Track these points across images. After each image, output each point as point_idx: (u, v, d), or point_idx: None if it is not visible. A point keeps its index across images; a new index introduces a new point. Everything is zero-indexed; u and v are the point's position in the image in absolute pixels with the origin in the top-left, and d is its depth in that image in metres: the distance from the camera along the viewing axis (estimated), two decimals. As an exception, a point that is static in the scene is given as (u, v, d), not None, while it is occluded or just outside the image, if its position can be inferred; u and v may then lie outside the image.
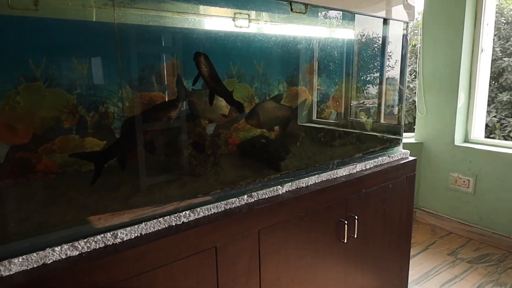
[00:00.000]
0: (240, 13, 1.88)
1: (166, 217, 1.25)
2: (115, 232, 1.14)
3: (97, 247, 1.12)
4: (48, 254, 1.03)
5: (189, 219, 1.31)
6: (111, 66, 1.61)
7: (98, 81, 1.58)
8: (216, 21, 1.82)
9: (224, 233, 1.33)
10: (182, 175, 1.50)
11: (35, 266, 1.01)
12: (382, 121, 2.29)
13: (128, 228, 1.17)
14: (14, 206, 1.25)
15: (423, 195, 3.79)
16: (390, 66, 2.26)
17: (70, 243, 1.07)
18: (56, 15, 1.42)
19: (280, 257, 1.53)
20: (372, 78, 2.33)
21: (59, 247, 1.05)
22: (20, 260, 0.99)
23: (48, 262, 1.03)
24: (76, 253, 1.08)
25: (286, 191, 1.61)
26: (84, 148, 1.56)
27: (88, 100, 1.57)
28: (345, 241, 1.80)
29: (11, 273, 0.98)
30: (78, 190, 1.37)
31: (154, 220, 1.23)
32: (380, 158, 2.08)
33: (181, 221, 1.29)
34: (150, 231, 1.22)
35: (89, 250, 1.10)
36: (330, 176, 1.81)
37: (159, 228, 1.24)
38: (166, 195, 1.37)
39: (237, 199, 1.44)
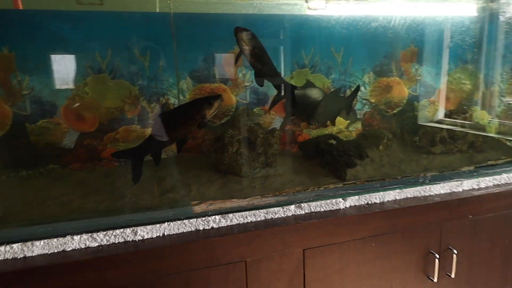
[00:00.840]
0: (316, -8, 1.62)
1: (192, 220, 1.13)
2: (135, 229, 1.07)
3: (116, 242, 1.06)
4: (67, 242, 1.02)
5: (220, 225, 1.15)
6: (174, 58, 1.58)
7: (159, 72, 1.57)
8: (284, 2, 1.61)
9: (258, 247, 1.13)
10: (224, 174, 1.36)
11: (55, 251, 1.02)
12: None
13: (149, 227, 1.09)
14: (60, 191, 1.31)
15: None
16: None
17: (90, 234, 1.04)
18: (119, 8, 1.45)
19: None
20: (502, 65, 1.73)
21: (78, 236, 1.03)
22: (42, 243, 1.01)
23: (68, 250, 1.03)
24: (94, 244, 1.05)
25: (349, 206, 1.29)
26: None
27: (149, 92, 1.57)
28: (436, 280, 1.36)
29: (33, 254, 1.00)
30: (122, 182, 1.37)
31: (179, 222, 1.11)
32: (504, 176, 1.51)
33: (210, 226, 1.14)
34: (173, 233, 1.11)
35: (108, 243, 1.06)
36: (419, 193, 1.39)
37: (184, 231, 1.12)
38: (201, 194, 1.25)
39: (282, 209, 1.21)
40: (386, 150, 1.64)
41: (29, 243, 1.00)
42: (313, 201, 1.25)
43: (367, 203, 1.32)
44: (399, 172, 1.47)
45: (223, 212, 1.16)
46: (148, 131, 1.58)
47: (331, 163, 1.40)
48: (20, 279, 0.95)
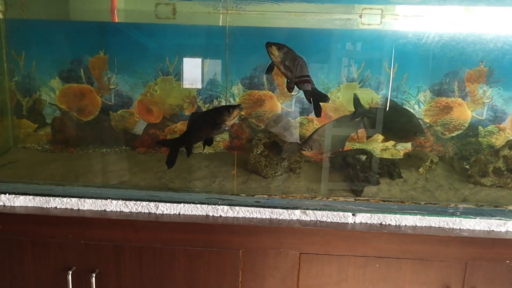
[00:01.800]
0: (370, 8, 1.64)
1: (204, 206, 1.30)
2: (157, 204, 1.30)
3: (142, 211, 1.31)
4: (107, 204, 1.31)
5: (227, 215, 1.30)
6: (231, 65, 1.79)
7: (215, 77, 1.79)
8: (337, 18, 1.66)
9: (255, 240, 1.24)
10: (250, 172, 1.49)
11: (99, 209, 1.32)
12: None
13: (169, 204, 1.30)
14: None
15: None
16: None
17: (124, 201, 1.31)
18: (188, 21, 1.73)
19: (327, 297, 1.25)
20: None
21: (116, 201, 1.31)
22: (90, 201, 1.32)
23: (107, 210, 1.32)
24: (127, 210, 1.32)
25: (359, 222, 1.28)
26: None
27: (205, 94, 1.82)
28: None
29: (84, 208, 1.32)
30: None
31: (192, 205, 1.30)
32: None
33: (219, 214, 1.30)
34: (187, 213, 1.30)
35: (136, 211, 1.31)
36: (446, 224, 1.28)
37: (196, 214, 1.30)
38: (221, 186, 1.41)
39: (287, 212, 1.29)
40: (426, 173, 1.53)
41: (82, 200, 1.32)
42: (320, 209, 1.29)
43: (381, 223, 1.29)
44: (430, 198, 1.37)
45: (232, 204, 1.30)
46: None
47: (351, 178, 1.39)
48: (74, 224, 1.26)
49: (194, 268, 1.26)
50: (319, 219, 1.29)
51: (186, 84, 1.78)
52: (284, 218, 1.29)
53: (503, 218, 1.27)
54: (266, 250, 1.24)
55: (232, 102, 1.81)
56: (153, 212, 1.31)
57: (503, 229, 1.27)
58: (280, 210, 1.29)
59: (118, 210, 1.32)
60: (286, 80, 1.45)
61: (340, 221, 1.29)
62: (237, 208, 1.30)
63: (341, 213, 1.28)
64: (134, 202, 1.31)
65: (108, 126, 1.82)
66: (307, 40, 1.75)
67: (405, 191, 1.39)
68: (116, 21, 1.72)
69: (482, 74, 1.64)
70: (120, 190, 1.36)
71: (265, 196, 1.32)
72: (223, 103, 1.81)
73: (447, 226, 1.27)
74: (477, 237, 1.22)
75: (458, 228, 1.27)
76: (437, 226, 1.28)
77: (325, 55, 1.76)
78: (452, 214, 1.28)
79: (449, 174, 1.54)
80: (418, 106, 1.70)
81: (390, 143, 1.76)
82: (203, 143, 1.40)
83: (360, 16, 1.64)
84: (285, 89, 1.78)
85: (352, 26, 1.67)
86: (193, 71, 1.78)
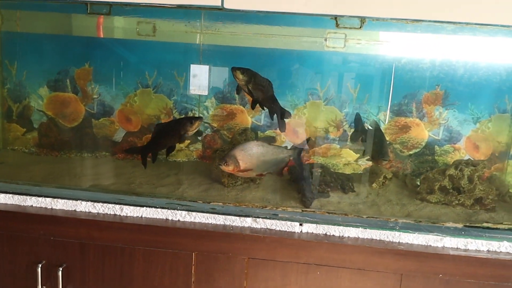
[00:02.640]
0: (335, 32, 1.76)
1: (164, 210, 1.42)
2: (122, 207, 1.43)
3: (109, 213, 1.43)
4: (78, 204, 1.44)
5: (185, 219, 1.41)
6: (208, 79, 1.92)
7: (190, 91, 1.93)
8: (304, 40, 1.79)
9: (207, 245, 1.35)
10: (213, 181, 1.61)
11: (69, 209, 1.45)
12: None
13: (132, 207, 1.43)
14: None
15: None
16: None
17: (92, 203, 1.44)
18: (166, 39, 1.87)
19: (272, 300, 1.35)
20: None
21: (85, 202, 1.44)
22: (63, 202, 1.44)
23: (77, 210, 1.44)
24: (95, 211, 1.44)
25: (306, 232, 1.39)
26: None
27: (180, 106, 1.95)
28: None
29: (57, 208, 1.45)
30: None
31: (154, 209, 1.42)
32: (506, 243, 1.35)
33: (177, 218, 1.42)
34: (149, 217, 1.42)
35: (103, 213, 1.43)
36: (387, 237, 1.37)
37: (157, 217, 1.42)
38: (183, 193, 1.53)
39: (239, 219, 1.40)
40: (380, 188, 1.63)
41: (55, 200, 1.45)
42: (269, 218, 1.40)
43: (325, 234, 1.39)
44: (376, 212, 1.47)
45: (190, 210, 1.42)
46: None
47: (304, 190, 1.50)
48: (46, 221, 1.39)
49: (151, 267, 1.38)
50: (268, 227, 1.40)
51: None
52: (237, 225, 1.40)
53: (440, 234, 1.36)
54: (217, 254, 1.35)
55: (206, 114, 1.93)
56: (118, 214, 1.43)
57: (439, 245, 1.36)
58: (233, 217, 1.40)
59: (87, 210, 1.44)
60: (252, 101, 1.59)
61: (288, 230, 1.39)
62: (193, 213, 1.41)
63: (289, 223, 1.39)
64: (102, 204, 1.44)
65: (90, 133, 1.96)
66: (275, 60, 1.88)
67: (354, 204, 1.50)
68: (102, 36, 1.87)
69: (438, 97, 1.74)
70: (90, 193, 1.48)
71: (220, 203, 1.43)
72: (190, 114, 1.93)
73: (387, 239, 1.37)
74: (413, 251, 1.31)
75: (397, 241, 1.37)
76: (378, 239, 1.38)
77: (291, 74, 1.88)
78: (392, 228, 1.38)
79: (401, 190, 1.64)
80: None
81: (353, 158, 1.87)
82: (166, 151, 1.53)
83: (325, 40, 1.77)
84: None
85: (318, 48, 1.80)
86: (168, 84, 1.92)
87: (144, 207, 1.43)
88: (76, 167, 1.85)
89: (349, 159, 1.85)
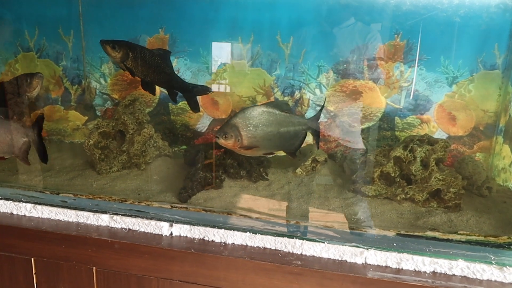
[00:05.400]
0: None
1: (8, 202, 1.12)
2: None
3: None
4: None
5: (31, 215, 1.11)
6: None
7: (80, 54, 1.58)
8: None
9: (46, 249, 1.03)
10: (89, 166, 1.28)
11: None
12: None
13: (-28, 198, 1.14)
14: None
15: None
16: None
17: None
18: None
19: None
20: None
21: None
22: None
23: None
24: None
25: (179, 236, 1.03)
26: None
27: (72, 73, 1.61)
28: None
29: None
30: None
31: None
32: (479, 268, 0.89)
33: (23, 213, 1.11)
34: (-8, 210, 1.13)
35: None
36: (284, 247, 0.97)
37: (2, 211, 1.13)
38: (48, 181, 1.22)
39: (93, 215, 1.06)
40: (307, 175, 1.21)
41: None
42: (129, 216, 1.05)
43: (203, 238, 1.02)
44: (279, 210, 1.06)
45: (37, 203, 1.10)
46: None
47: (189, 179, 1.12)
48: None
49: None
50: (130, 227, 1.05)
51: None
52: (91, 223, 1.07)
53: (361, 246, 0.94)
54: (58, 261, 1.04)
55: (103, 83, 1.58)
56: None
57: (359, 261, 0.94)
58: (87, 213, 1.07)
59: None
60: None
61: (154, 232, 1.04)
62: (40, 207, 1.10)
63: (154, 222, 1.03)
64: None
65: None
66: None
67: (254, 200, 1.10)
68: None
69: (399, 50, 1.24)
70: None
71: (71, 195, 1.10)
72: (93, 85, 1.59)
73: (285, 249, 0.97)
74: (316, 270, 0.91)
75: (298, 253, 0.96)
76: (274, 248, 0.98)
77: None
78: (292, 235, 0.97)
79: (335, 177, 1.20)
80: (320, 90, 1.36)
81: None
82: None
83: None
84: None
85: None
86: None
87: (-13, 199, 1.14)
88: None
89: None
